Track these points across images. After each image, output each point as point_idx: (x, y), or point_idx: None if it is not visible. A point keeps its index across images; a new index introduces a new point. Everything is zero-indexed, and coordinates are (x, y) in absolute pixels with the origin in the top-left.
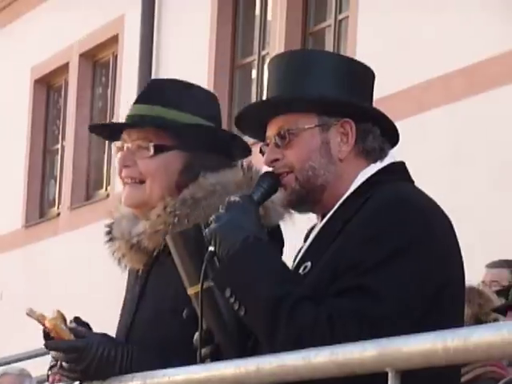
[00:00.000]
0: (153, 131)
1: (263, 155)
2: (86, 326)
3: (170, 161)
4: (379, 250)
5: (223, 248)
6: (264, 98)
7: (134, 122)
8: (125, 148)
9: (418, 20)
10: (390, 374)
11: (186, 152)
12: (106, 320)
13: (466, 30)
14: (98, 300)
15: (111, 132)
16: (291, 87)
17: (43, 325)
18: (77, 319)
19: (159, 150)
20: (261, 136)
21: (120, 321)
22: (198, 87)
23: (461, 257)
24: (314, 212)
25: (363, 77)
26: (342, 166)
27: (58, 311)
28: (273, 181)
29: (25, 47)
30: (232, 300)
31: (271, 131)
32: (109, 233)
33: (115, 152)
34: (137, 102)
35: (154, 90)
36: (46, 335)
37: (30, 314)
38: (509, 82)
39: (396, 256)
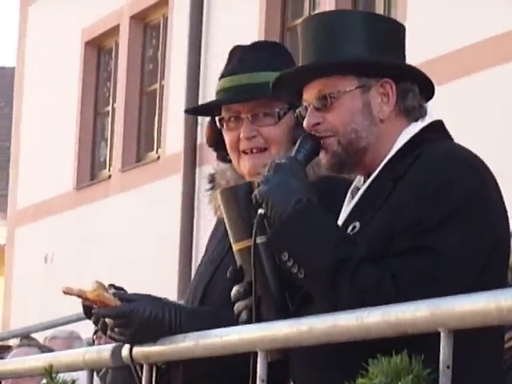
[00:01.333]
0: (267, 98)
1: (302, 119)
2: (122, 290)
3: (290, 123)
4: (438, 210)
5: (275, 211)
6: (300, 63)
7: (247, 93)
8: (244, 119)
9: None
10: (442, 334)
11: (292, 109)
12: (155, 283)
13: None
14: (149, 263)
15: (208, 108)
16: (327, 51)
17: (85, 298)
18: (112, 286)
19: (281, 115)
20: (296, 101)
21: (200, 267)
22: (280, 44)
23: (507, 216)
24: (356, 173)
25: (397, 34)
26: (383, 126)
27: (97, 281)
28: (314, 143)
29: (75, 9)
30: (290, 264)
31: (309, 95)
32: (211, 181)
33: (224, 125)
34: (235, 72)
35: (247, 57)
36: (87, 310)
37: (68, 291)
38: None
39: (455, 215)
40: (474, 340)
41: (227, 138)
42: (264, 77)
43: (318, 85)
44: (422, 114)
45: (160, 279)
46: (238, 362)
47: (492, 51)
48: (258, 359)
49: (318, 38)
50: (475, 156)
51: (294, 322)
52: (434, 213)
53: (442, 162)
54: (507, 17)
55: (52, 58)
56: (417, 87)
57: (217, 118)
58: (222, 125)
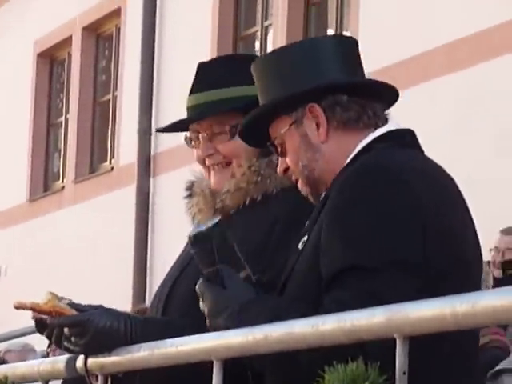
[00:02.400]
0: (221, 114)
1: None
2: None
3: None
4: (349, 226)
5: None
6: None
7: (199, 113)
8: (200, 138)
9: None
10: (397, 341)
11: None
12: (110, 294)
13: None
14: (103, 274)
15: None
16: (263, 97)
17: (39, 311)
18: (62, 298)
19: (235, 129)
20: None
21: (168, 273)
22: (242, 56)
23: (464, 219)
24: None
25: (343, 50)
26: (327, 147)
27: (50, 292)
28: (200, 245)
29: (27, 21)
30: None
31: (272, 135)
32: (189, 188)
33: (188, 143)
34: (194, 91)
35: (206, 75)
36: (38, 324)
37: (21, 306)
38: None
39: (375, 226)
40: (434, 345)
41: (195, 154)
42: (219, 94)
43: (271, 130)
44: (373, 120)
45: (114, 290)
46: (195, 371)
47: (448, 56)
48: (214, 368)
49: (258, 83)
50: (408, 162)
51: (248, 330)
52: (346, 232)
53: (357, 173)
54: (463, 22)
55: (4, 69)
56: (345, 97)
57: (183, 138)
58: (189, 143)
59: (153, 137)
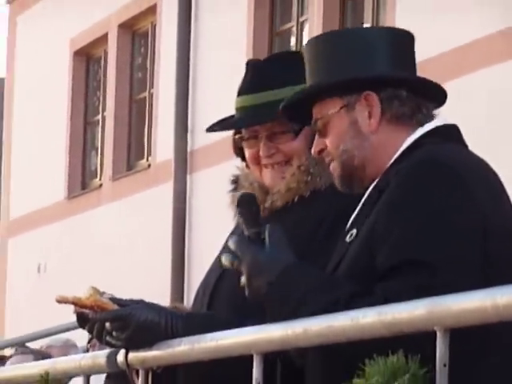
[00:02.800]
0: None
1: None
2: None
3: (308, 133)
4: (411, 220)
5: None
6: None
7: (264, 114)
8: (261, 138)
9: None
10: (438, 333)
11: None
12: (148, 291)
13: None
14: (141, 271)
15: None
16: (316, 76)
17: (81, 305)
18: (104, 293)
19: (298, 129)
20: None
21: (211, 268)
22: (294, 53)
23: (502, 213)
24: (367, 187)
25: (399, 43)
26: (376, 138)
27: (92, 287)
28: (248, 207)
29: (64, 19)
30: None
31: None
32: (234, 182)
33: (244, 143)
34: (249, 91)
35: (260, 74)
36: (80, 319)
37: (63, 299)
38: None
39: (430, 221)
40: (476, 338)
41: (247, 153)
42: (279, 94)
43: (315, 110)
44: (424, 118)
45: (152, 287)
46: (236, 364)
47: (479, 53)
48: (254, 362)
49: (310, 64)
50: (462, 160)
51: (288, 324)
52: (406, 223)
53: (416, 167)
54: (499, 16)
55: (41, 67)
56: (404, 92)
57: (236, 136)
58: (241, 141)
59: (189, 134)
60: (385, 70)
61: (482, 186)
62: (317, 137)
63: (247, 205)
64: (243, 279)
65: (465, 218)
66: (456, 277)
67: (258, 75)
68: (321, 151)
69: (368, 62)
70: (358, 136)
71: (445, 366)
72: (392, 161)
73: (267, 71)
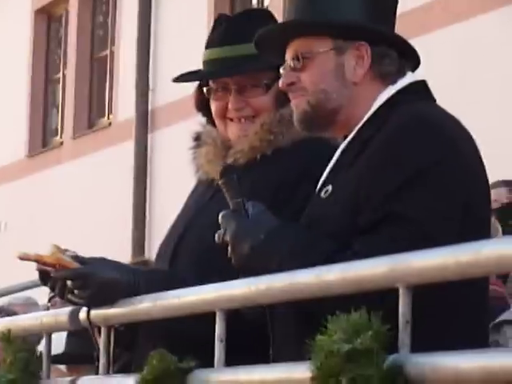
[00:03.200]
0: (256, 70)
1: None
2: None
3: (277, 91)
4: (400, 174)
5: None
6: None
7: (235, 67)
8: (232, 91)
9: None
10: (400, 290)
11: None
12: (109, 247)
13: None
14: (102, 228)
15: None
16: (305, 10)
17: (43, 263)
18: (66, 250)
19: (268, 85)
20: (280, 60)
21: (173, 225)
22: (264, 11)
23: (486, 177)
24: (330, 134)
25: (385, 1)
26: (357, 89)
27: (54, 245)
28: (228, 177)
29: None
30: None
31: (288, 55)
32: (197, 139)
33: (211, 95)
34: (220, 43)
35: (232, 28)
36: (42, 276)
37: (25, 257)
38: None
39: (418, 177)
40: (438, 295)
41: (214, 106)
42: (250, 48)
43: (296, 45)
44: (400, 77)
45: (114, 244)
46: (198, 321)
47: (441, 12)
48: (217, 319)
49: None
50: (451, 117)
51: (252, 280)
52: (396, 177)
53: (405, 124)
54: None
55: (2, 26)
56: (395, 52)
57: (205, 89)
58: (209, 94)
59: (150, 92)
60: (380, 26)
61: (467, 145)
62: (288, 69)
63: (229, 174)
64: (217, 236)
65: (451, 175)
66: (437, 232)
67: (230, 29)
68: (290, 84)
69: (365, 10)
70: (341, 81)
71: (407, 322)
72: (368, 116)
73: (240, 25)
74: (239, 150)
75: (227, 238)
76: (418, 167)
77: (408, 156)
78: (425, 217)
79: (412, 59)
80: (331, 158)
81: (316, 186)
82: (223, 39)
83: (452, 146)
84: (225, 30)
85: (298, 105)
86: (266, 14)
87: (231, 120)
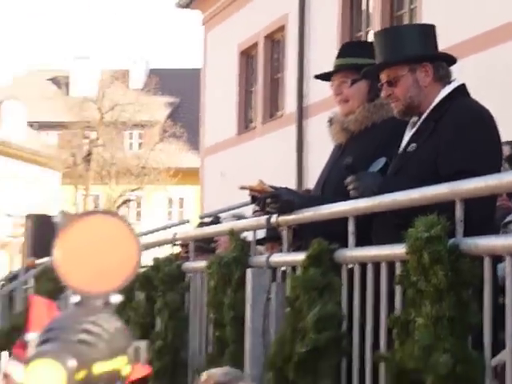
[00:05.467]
0: (349, 72)
1: (380, 90)
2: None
3: (361, 86)
4: (464, 141)
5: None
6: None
7: (339, 69)
8: (334, 84)
9: None
10: (457, 203)
11: (369, 80)
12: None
13: None
14: (276, 180)
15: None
16: (389, 53)
17: (253, 190)
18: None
19: (353, 81)
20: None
21: (321, 173)
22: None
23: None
24: (415, 116)
25: (430, 33)
26: (426, 90)
27: (259, 180)
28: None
29: (232, 27)
30: None
31: (383, 77)
32: (330, 120)
33: (333, 86)
34: (339, 56)
35: (347, 48)
36: (252, 197)
37: (243, 187)
38: None
39: (477, 144)
40: (478, 203)
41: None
42: (354, 60)
43: (387, 72)
44: (449, 80)
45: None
46: (337, 223)
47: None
48: (349, 221)
49: (383, 45)
50: (483, 107)
51: (372, 198)
52: (460, 145)
53: (463, 112)
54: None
55: (221, 63)
56: (445, 63)
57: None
58: (331, 86)
59: (304, 94)
60: (430, 51)
61: (495, 123)
62: (385, 86)
63: (350, 168)
64: (348, 180)
65: (494, 146)
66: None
67: (342, 51)
68: (388, 96)
69: (421, 45)
70: (418, 88)
71: (461, 221)
72: (434, 104)
73: (351, 48)
74: (349, 120)
75: (353, 184)
76: (476, 138)
77: (469, 131)
78: (481, 170)
79: (452, 62)
80: (405, 128)
81: (399, 146)
82: (340, 54)
83: (492, 123)
84: (343, 50)
85: (396, 106)
86: (366, 44)
87: (338, 103)
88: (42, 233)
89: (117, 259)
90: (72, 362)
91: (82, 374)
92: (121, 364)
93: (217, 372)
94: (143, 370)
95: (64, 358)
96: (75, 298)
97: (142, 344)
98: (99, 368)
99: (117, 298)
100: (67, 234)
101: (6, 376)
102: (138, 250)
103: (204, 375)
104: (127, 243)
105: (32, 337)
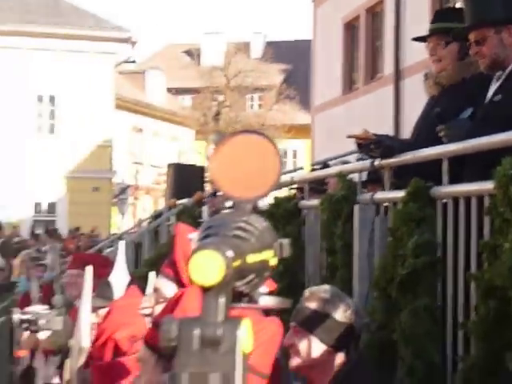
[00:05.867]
0: (441, 35)
1: (469, 47)
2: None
3: (452, 47)
4: None
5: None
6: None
7: (434, 31)
8: (429, 46)
9: None
10: None
11: (459, 42)
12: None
13: None
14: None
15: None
16: (476, 16)
17: (359, 138)
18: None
19: (446, 43)
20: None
21: (418, 120)
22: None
23: None
24: (500, 70)
25: None
26: (510, 48)
27: (364, 129)
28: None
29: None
30: None
31: (472, 37)
32: (425, 75)
33: (428, 48)
34: (433, 22)
35: (440, 14)
36: (358, 144)
37: (351, 135)
38: None
39: None
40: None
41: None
42: (445, 25)
43: (475, 33)
44: None
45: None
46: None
47: None
48: (443, 163)
49: (471, 9)
50: None
51: (461, 142)
52: None
53: None
54: None
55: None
56: None
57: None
58: (427, 48)
59: (400, 57)
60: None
61: None
62: (473, 45)
63: (441, 117)
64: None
65: None
66: None
67: (438, 16)
68: (476, 53)
69: (506, 8)
70: (502, 46)
71: None
72: None
73: (445, 13)
74: (441, 75)
75: (444, 131)
76: None
77: None
78: None
79: None
80: (490, 83)
81: (485, 97)
82: (434, 20)
83: None
84: (436, 16)
85: (482, 62)
86: (459, 10)
87: (432, 61)
88: (181, 179)
89: (262, 170)
90: (230, 253)
91: (237, 263)
92: (268, 256)
93: (319, 289)
94: (272, 285)
95: (223, 249)
96: (229, 203)
97: (285, 241)
98: (251, 258)
99: (263, 203)
100: (221, 149)
101: (155, 290)
102: (279, 162)
103: (307, 292)
104: (271, 157)
105: (193, 235)
